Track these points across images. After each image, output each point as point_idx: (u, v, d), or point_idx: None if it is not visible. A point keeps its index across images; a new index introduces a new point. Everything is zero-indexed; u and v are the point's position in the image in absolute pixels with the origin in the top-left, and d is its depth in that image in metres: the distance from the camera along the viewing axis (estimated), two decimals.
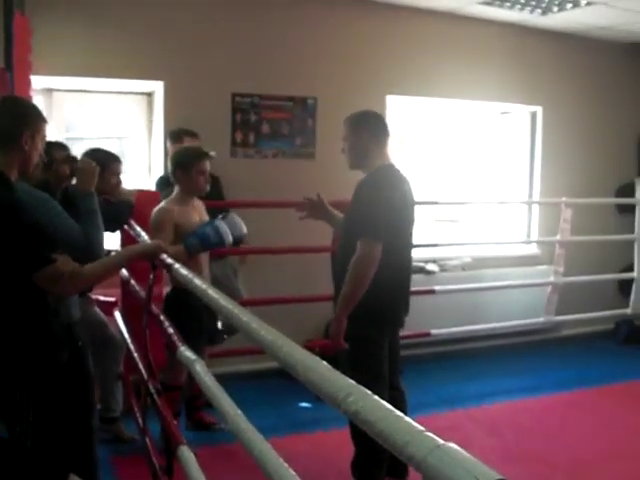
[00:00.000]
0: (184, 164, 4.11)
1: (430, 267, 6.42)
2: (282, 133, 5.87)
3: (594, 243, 7.16)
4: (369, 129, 3.64)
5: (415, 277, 6.19)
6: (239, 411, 2.09)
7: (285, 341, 1.59)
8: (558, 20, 6.55)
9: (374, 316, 3.55)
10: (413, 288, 5.85)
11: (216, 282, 5.18)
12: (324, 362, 1.43)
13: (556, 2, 5.93)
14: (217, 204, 5.35)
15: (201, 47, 5.54)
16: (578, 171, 7.28)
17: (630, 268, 7.21)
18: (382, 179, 3.54)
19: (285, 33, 5.83)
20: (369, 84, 6.18)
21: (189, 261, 4.04)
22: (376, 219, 3.41)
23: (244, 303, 5.12)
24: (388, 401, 1.18)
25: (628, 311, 7.17)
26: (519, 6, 6.09)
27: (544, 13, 6.30)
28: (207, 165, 4.16)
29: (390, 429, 1.10)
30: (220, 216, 4.11)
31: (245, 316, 1.85)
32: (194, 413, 4.67)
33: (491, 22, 6.62)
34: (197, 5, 5.53)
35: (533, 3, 5.99)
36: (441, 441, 1.00)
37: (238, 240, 4.18)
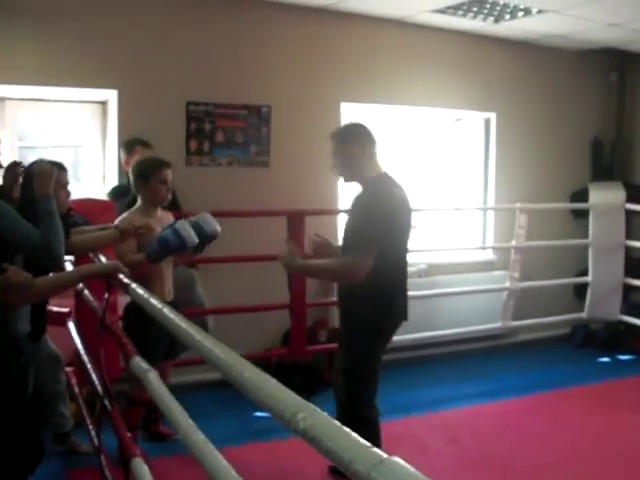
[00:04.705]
0: (144, 174, 4.07)
1: None
2: (237, 141, 5.84)
3: (549, 248, 7.25)
4: (358, 142, 3.66)
5: None
6: (190, 421, 2.09)
7: (236, 359, 1.61)
8: (510, 28, 6.62)
9: (380, 327, 3.70)
10: None
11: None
12: (274, 380, 1.44)
13: (508, 10, 5.99)
14: (172, 214, 5.33)
15: (155, 56, 5.51)
16: (532, 177, 7.38)
17: (585, 272, 7.31)
18: (377, 192, 3.59)
19: (239, 41, 5.82)
20: (323, 92, 6.20)
21: (152, 274, 4.01)
22: (369, 234, 3.46)
23: (203, 312, 5.12)
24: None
25: (583, 315, 7.27)
26: (472, 14, 6.15)
27: (496, 21, 6.37)
28: (168, 174, 4.12)
29: (336, 446, 1.11)
30: (191, 218, 3.98)
31: (198, 335, 1.87)
32: (151, 425, 4.61)
33: (444, 30, 6.67)
34: (150, 14, 5.49)
35: (485, 11, 6.04)
36: (385, 456, 1.01)
37: (212, 238, 4.08)
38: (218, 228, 4.05)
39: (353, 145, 3.65)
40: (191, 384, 5.02)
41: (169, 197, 4.19)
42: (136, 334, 3.47)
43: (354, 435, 1.11)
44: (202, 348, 1.81)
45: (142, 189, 4.11)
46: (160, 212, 4.22)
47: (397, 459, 1.00)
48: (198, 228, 3.91)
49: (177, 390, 2.48)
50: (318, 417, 1.21)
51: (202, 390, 4.84)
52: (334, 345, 5.95)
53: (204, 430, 2.04)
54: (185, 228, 3.81)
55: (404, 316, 3.80)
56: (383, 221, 3.49)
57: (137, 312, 3.96)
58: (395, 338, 5.88)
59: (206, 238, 3.99)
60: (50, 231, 2.97)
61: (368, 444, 1.07)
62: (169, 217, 4.27)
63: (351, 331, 3.71)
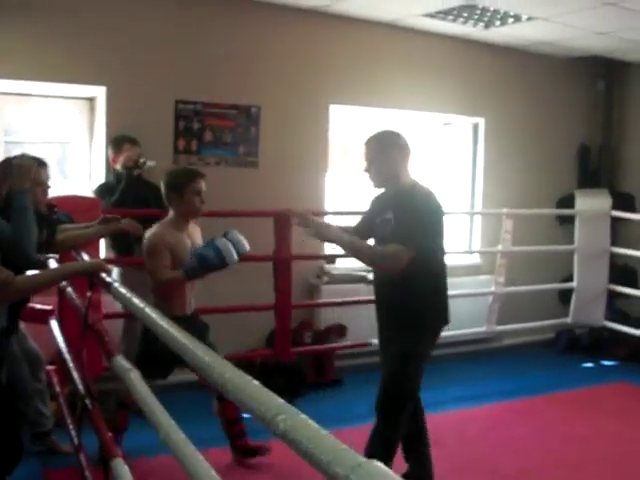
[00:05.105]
0: (177, 186, 3.92)
1: (372, 277, 6.42)
2: (225, 141, 5.83)
3: (535, 253, 7.27)
4: (398, 148, 3.68)
5: (356, 287, 6.28)
6: (172, 421, 2.07)
7: (217, 360, 1.60)
8: (500, 34, 6.64)
9: (425, 328, 3.77)
10: (354, 298, 5.97)
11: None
12: (255, 381, 1.44)
13: (498, 17, 6.02)
14: (158, 212, 5.30)
15: (145, 53, 5.50)
16: (519, 182, 7.40)
17: (570, 278, 7.34)
18: (423, 194, 3.66)
19: (230, 41, 5.81)
20: (313, 93, 6.21)
21: (175, 288, 3.94)
22: (414, 230, 3.48)
23: None
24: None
25: (568, 320, 7.30)
26: (462, 19, 6.16)
27: (486, 27, 6.38)
28: (202, 185, 3.96)
29: (316, 448, 1.10)
30: (222, 234, 3.89)
31: (180, 335, 1.86)
32: (237, 440, 4.35)
33: (434, 34, 6.69)
34: (141, 11, 5.48)
35: (476, 17, 6.06)
36: (363, 459, 1.01)
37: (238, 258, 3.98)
38: (247, 248, 4.01)
39: (393, 151, 3.66)
40: (174, 385, 4.99)
41: (202, 208, 4.02)
42: (153, 348, 3.47)
43: (333, 438, 1.11)
44: (184, 350, 1.80)
45: (175, 201, 3.95)
46: (191, 225, 4.09)
47: (376, 462, 1.00)
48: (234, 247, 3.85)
49: (160, 391, 2.46)
50: (298, 419, 1.21)
51: (185, 391, 4.81)
52: (319, 347, 5.99)
53: (187, 431, 2.02)
54: (226, 246, 3.74)
55: (447, 316, 3.87)
56: (428, 222, 3.56)
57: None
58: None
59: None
60: (20, 226, 2.94)
61: (346, 446, 1.07)
62: (198, 231, 4.16)
63: (401, 330, 3.73)
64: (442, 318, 3.83)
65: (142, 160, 5.15)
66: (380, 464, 0.99)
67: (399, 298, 3.69)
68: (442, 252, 3.77)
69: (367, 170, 3.73)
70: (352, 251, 3.74)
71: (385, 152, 3.66)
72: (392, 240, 3.51)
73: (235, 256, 3.80)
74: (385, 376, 3.75)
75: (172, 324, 1.98)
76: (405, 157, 3.71)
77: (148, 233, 3.95)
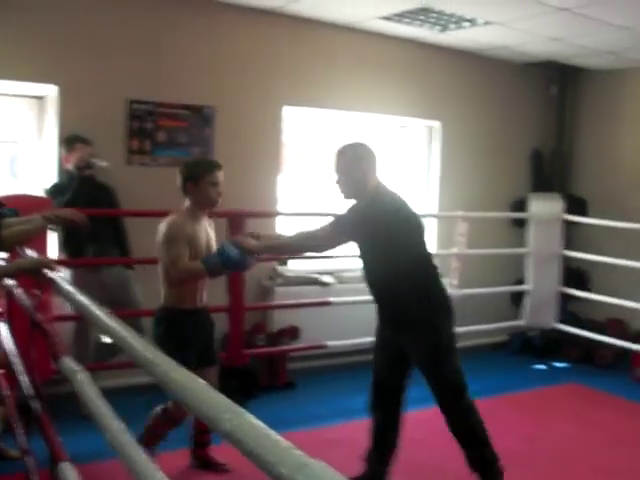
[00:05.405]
0: (194, 176, 3.88)
1: (326, 279, 6.43)
2: (179, 142, 5.78)
3: (489, 256, 7.32)
4: (368, 161, 3.77)
5: (311, 289, 6.27)
6: (121, 425, 2.03)
7: (162, 359, 1.57)
8: (456, 38, 6.69)
9: (443, 324, 3.87)
10: (308, 300, 5.96)
11: (109, 291, 5.06)
12: (200, 380, 1.42)
13: (453, 20, 6.05)
14: (111, 212, 5.24)
15: (97, 52, 5.42)
16: (474, 186, 7.46)
17: (521, 281, 7.42)
18: (392, 204, 3.75)
19: (183, 41, 5.78)
20: (267, 95, 6.19)
21: (191, 280, 3.90)
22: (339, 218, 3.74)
23: (138, 314, 5.05)
24: None
25: (521, 323, 7.37)
26: (418, 23, 6.18)
27: (442, 30, 6.42)
28: (219, 176, 3.94)
29: (260, 448, 1.09)
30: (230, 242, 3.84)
31: (123, 332, 1.82)
32: (199, 449, 4.36)
33: (390, 37, 6.71)
34: (94, 8, 5.41)
35: (432, 20, 6.09)
36: (309, 459, 1.00)
37: None
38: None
39: (362, 163, 3.75)
40: (125, 388, 4.94)
41: (219, 200, 3.98)
42: (165, 341, 3.45)
43: (279, 437, 1.09)
44: (129, 348, 1.76)
45: (192, 192, 3.90)
46: (206, 219, 4.05)
47: (322, 463, 0.99)
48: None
49: (110, 394, 2.41)
50: (243, 419, 1.19)
51: (136, 394, 4.75)
52: (272, 349, 5.96)
53: (137, 434, 1.98)
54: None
55: (450, 306, 3.95)
56: (401, 229, 3.67)
57: (166, 320, 3.89)
58: (334, 343, 5.96)
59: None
60: None
61: (290, 445, 1.05)
62: (212, 227, 4.12)
63: (424, 333, 3.82)
64: (448, 309, 3.91)
65: (94, 160, 5.09)
66: (326, 464, 0.98)
67: (408, 309, 3.82)
68: (426, 254, 3.86)
69: (337, 182, 3.82)
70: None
71: (354, 164, 3.74)
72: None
73: (254, 260, 3.83)
74: (442, 377, 3.94)
75: (117, 321, 1.94)
76: (373, 168, 3.78)
77: (165, 222, 3.87)
